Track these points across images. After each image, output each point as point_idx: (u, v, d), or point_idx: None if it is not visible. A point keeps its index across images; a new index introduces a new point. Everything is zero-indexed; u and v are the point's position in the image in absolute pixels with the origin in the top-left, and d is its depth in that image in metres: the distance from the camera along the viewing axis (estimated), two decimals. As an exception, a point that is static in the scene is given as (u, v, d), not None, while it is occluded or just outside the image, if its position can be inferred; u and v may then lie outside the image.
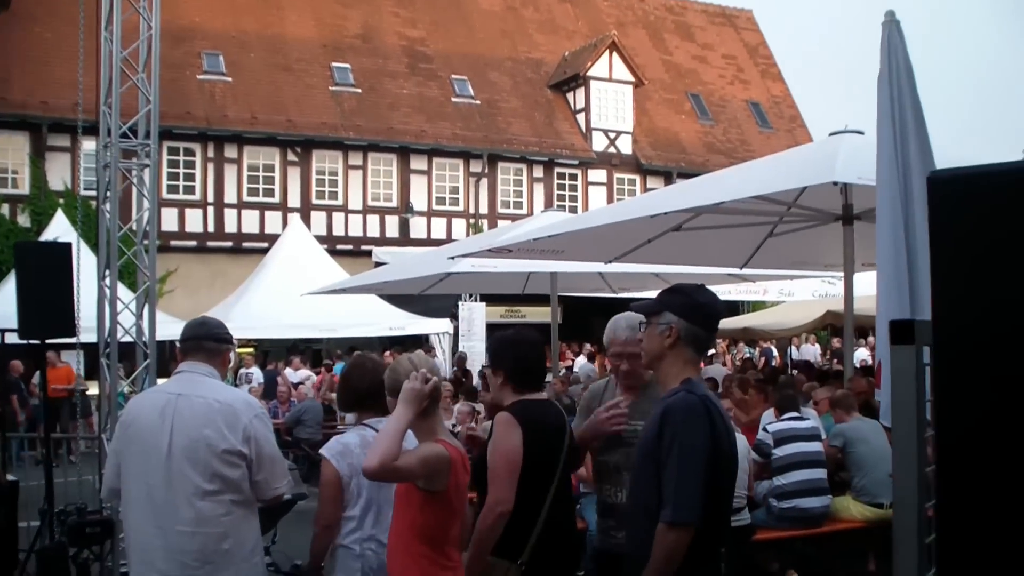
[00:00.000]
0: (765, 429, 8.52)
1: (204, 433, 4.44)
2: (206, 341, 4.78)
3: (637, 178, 34.31)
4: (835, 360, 25.63)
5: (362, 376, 4.87)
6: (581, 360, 25.11)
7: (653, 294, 13.35)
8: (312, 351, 25.85)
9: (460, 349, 24.40)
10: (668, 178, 33.81)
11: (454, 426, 12.14)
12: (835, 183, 8.32)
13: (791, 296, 24.07)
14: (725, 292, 24.49)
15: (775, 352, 28.59)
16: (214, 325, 4.91)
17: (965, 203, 1.71)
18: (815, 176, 8.39)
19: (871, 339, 28.36)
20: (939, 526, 1.68)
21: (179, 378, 4.72)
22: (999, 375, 1.62)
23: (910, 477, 1.82)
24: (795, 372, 17.77)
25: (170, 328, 18.20)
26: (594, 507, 8.10)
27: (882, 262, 3.88)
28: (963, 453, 1.66)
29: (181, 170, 28.22)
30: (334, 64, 31.25)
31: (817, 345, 29.07)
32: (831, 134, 10.45)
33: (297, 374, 21.83)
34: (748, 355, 28.32)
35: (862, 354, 23.58)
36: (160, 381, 16.24)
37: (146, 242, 9.04)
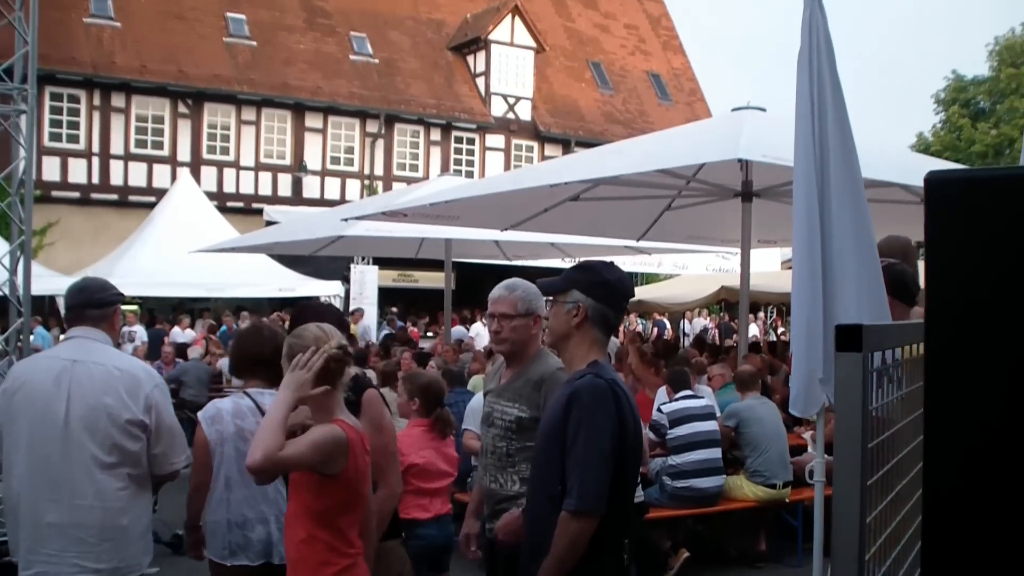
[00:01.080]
0: (659, 409, 8.43)
1: (105, 401, 4.21)
2: (88, 309, 4.48)
3: (535, 145, 34.17)
4: (725, 335, 25.92)
5: (255, 343, 4.66)
6: (476, 327, 24.92)
7: (548, 263, 13.40)
8: (199, 310, 25.22)
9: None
10: (566, 146, 33.76)
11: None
12: (739, 160, 8.25)
13: (685, 269, 24.22)
14: (619, 263, 24.55)
15: (668, 325, 28.79)
16: (94, 289, 4.59)
17: (963, 206, 1.57)
18: (719, 152, 8.30)
19: (760, 315, 28.81)
20: (927, 536, 1.57)
21: (72, 344, 4.44)
22: (996, 382, 1.53)
23: (852, 488, 1.70)
24: (687, 346, 17.82)
25: (50, 283, 17.71)
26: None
27: (798, 250, 3.73)
28: (960, 464, 1.57)
29: (65, 117, 27.22)
30: (229, 14, 30.36)
31: (709, 319, 29.37)
32: (733, 110, 10.42)
33: (185, 334, 21.32)
34: (640, 327, 28.48)
35: (752, 330, 23.83)
36: (38, 340, 15.58)
37: (22, 191, 8.56)
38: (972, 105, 46.39)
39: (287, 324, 4.90)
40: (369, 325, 22.75)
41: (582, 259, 14.65)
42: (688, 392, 8.48)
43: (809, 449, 8.93)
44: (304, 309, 4.72)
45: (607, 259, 13.20)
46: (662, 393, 9.35)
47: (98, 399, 4.20)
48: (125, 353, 6.21)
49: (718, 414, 8.86)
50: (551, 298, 3.79)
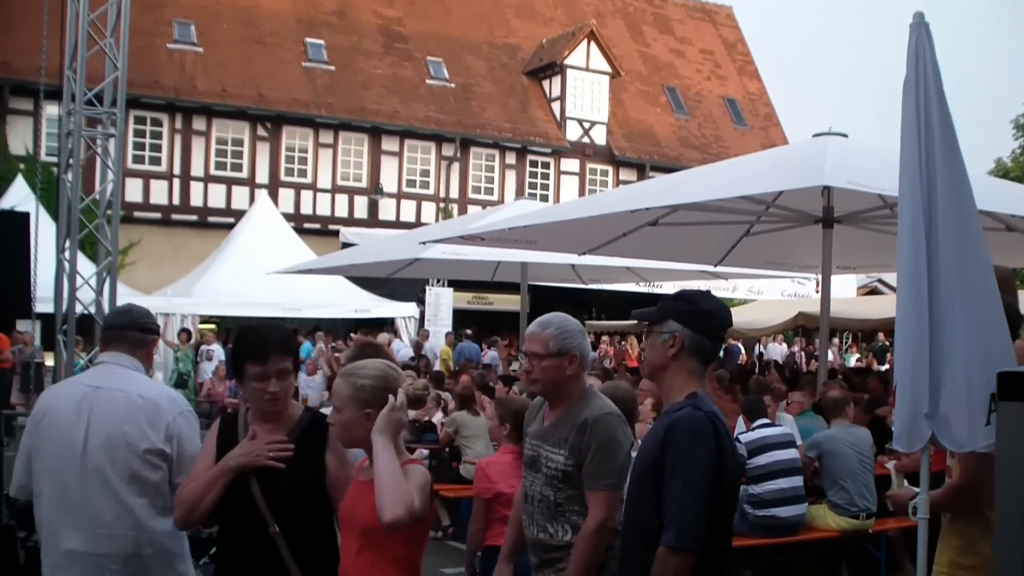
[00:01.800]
0: (738, 439, 8.31)
1: (124, 430, 4.08)
2: (130, 331, 4.35)
3: (610, 169, 34.15)
4: (806, 361, 25.58)
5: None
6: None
7: (624, 287, 13.35)
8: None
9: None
10: (641, 170, 33.68)
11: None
12: (824, 187, 8.17)
13: (760, 295, 24.03)
14: (694, 288, 24.48)
15: (742, 350, 28.52)
16: (139, 313, 4.49)
17: None
18: (804, 179, 8.22)
19: (836, 340, 28.44)
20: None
21: (98, 369, 4.34)
22: None
23: (1017, 539, 1.63)
24: (764, 372, 17.62)
25: (131, 302, 17.96)
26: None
27: (904, 282, 3.66)
28: None
29: (147, 140, 27.72)
30: (308, 40, 30.80)
31: (784, 344, 29.04)
32: (815, 135, 10.31)
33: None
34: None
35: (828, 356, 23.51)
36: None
37: (109, 213, 8.71)
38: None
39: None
40: (435, 346, 22.76)
41: (657, 283, 14.64)
42: (765, 420, 8.36)
43: (892, 479, 8.75)
44: (246, 331, 4.17)
45: (685, 284, 13.21)
46: (740, 423, 9.23)
47: (117, 427, 4.08)
48: (155, 381, 6.07)
49: (799, 441, 8.73)
50: (647, 327, 3.70)
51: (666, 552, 3.32)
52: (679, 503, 3.32)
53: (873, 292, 31.03)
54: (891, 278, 35.99)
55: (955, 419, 3.59)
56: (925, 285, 3.60)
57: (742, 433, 8.43)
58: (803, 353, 28.29)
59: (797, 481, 8.13)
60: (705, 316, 3.58)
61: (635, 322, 28.42)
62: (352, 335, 22.53)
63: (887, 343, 30.77)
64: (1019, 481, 1.66)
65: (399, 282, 21.83)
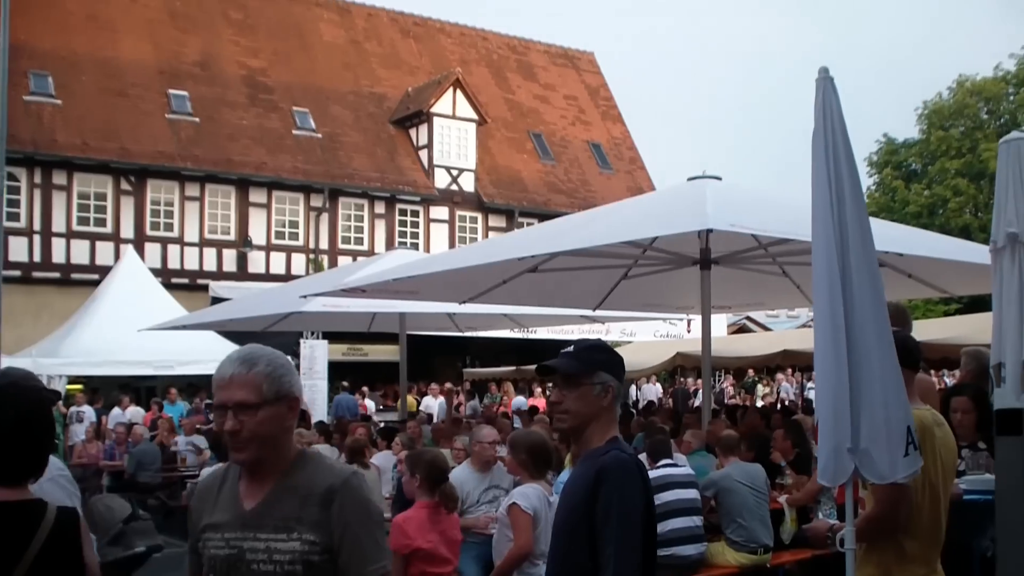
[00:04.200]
0: (640, 477, 8.41)
1: None
2: None
3: (479, 216, 34.35)
4: (683, 400, 25.98)
5: None
6: (427, 401, 24.82)
7: (500, 334, 13.44)
8: (145, 388, 24.86)
9: (304, 387, 23.81)
10: (510, 216, 33.97)
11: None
12: (709, 230, 8.36)
13: (634, 336, 24.40)
14: (568, 332, 24.71)
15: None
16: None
17: None
18: (687, 223, 8.41)
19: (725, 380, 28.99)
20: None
21: None
22: None
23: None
24: (645, 414, 17.83)
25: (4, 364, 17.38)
26: (469, 558, 7.93)
27: (821, 322, 3.80)
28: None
29: (4, 195, 26.78)
30: (171, 91, 30.30)
31: (658, 384, 29.50)
32: (690, 179, 10.53)
33: (127, 413, 21.00)
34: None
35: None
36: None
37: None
38: (904, 167, 47.61)
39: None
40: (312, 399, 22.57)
41: (532, 328, 14.73)
42: (668, 460, 8.49)
43: (785, 513, 8.96)
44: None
45: (559, 327, 13.38)
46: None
47: None
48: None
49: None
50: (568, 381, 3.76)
51: None
52: (617, 543, 3.43)
53: (742, 330, 31.82)
54: (759, 316, 36.97)
55: (876, 452, 3.74)
56: (842, 324, 3.75)
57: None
58: (672, 395, 28.76)
59: (697, 520, 8.27)
60: (622, 365, 3.78)
61: (512, 368, 28.66)
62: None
63: (756, 379, 31.56)
64: (1016, 510, 1.74)
65: (272, 335, 21.49)
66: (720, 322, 23.29)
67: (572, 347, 3.81)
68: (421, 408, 23.11)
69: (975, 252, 10.39)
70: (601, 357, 3.74)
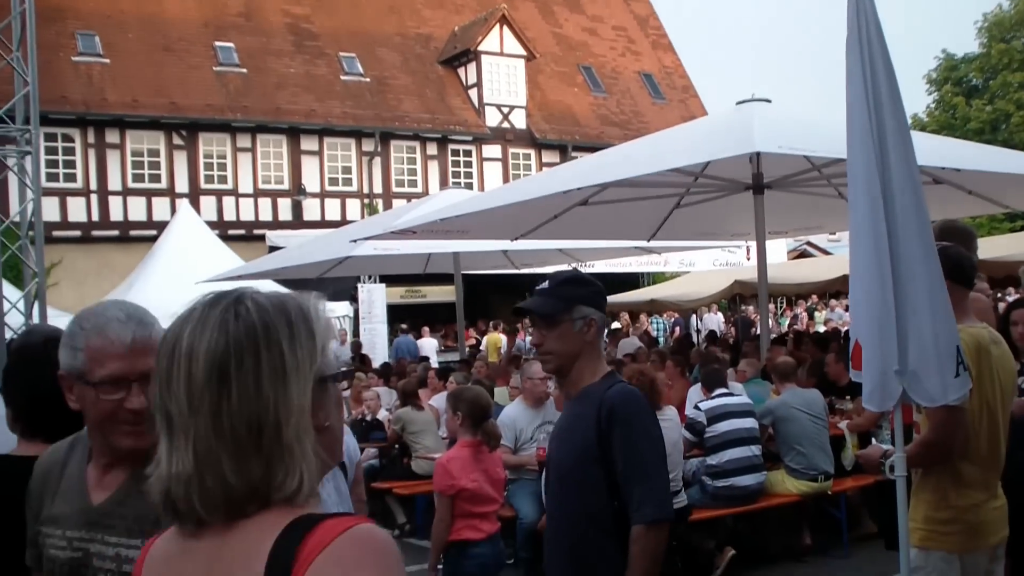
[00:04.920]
0: (697, 407, 8.30)
1: None
2: None
3: (532, 152, 34.06)
4: (744, 330, 25.74)
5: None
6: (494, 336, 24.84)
7: (556, 268, 13.32)
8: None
9: (361, 332, 23.94)
10: (563, 152, 33.63)
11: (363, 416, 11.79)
12: (756, 153, 8.16)
13: (692, 266, 24.17)
14: (626, 264, 24.56)
15: (683, 323, 28.64)
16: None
17: None
18: (734, 147, 8.20)
19: (771, 307, 28.62)
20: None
21: None
22: None
23: None
24: (701, 343, 17.68)
25: (58, 323, 17.54)
26: (525, 494, 7.90)
27: (861, 241, 3.62)
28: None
29: (60, 157, 27.08)
30: (217, 43, 30.28)
31: (720, 314, 29.23)
32: (739, 103, 10.32)
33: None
34: (651, 326, 28.35)
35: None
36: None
37: (31, 234, 8.44)
38: (965, 83, 46.44)
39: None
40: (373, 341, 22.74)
41: (589, 262, 14.57)
42: (724, 390, 8.34)
43: (846, 439, 8.79)
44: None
45: (616, 260, 13.28)
46: (695, 392, 9.20)
47: None
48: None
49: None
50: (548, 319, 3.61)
51: (644, 529, 3.31)
52: (646, 477, 3.35)
53: (803, 255, 31.37)
54: (819, 240, 36.45)
55: (925, 374, 3.56)
56: (885, 242, 3.55)
57: (701, 400, 8.42)
58: (733, 324, 28.49)
59: (756, 450, 8.16)
60: (602, 295, 3.67)
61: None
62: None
63: (814, 305, 31.16)
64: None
65: (330, 281, 21.57)
66: (779, 248, 22.97)
67: (546, 283, 3.65)
68: (481, 347, 23.10)
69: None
70: (579, 291, 3.58)
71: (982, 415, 3.88)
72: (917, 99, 62.29)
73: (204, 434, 1.52)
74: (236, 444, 1.52)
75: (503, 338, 25.71)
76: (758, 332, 22.79)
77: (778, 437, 8.43)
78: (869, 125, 3.59)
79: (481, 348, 23.92)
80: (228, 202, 29.27)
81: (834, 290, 20.86)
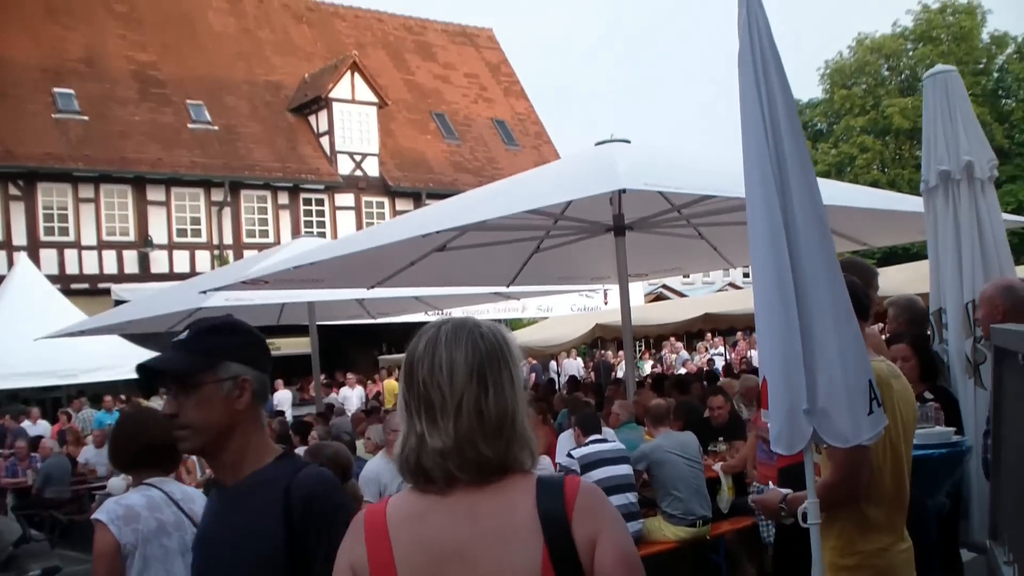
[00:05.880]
0: (570, 455, 8.00)
1: None
2: None
3: (385, 200, 33.70)
4: (606, 373, 25.71)
5: (141, 430, 4.01)
6: (345, 391, 24.25)
7: (413, 318, 12.95)
8: (49, 400, 23.92)
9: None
10: (417, 199, 33.39)
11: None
12: (620, 191, 7.97)
13: (550, 311, 24.11)
14: (484, 312, 24.26)
15: (542, 369, 28.52)
16: None
17: None
18: (598, 185, 8.00)
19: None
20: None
21: None
22: None
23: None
24: (566, 389, 17.50)
25: None
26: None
27: (763, 274, 3.37)
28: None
29: None
30: (56, 90, 29.13)
31: (579, 359, 29.21)
32: (598, 143, 10.19)
33: (37, 426, 20.18)
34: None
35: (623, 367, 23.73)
36: None
37: None
38: (810, 128, 48.07)
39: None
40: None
41: (447, 310, 14.21)
42: (598, 436, 8.08)
43: (722, 482, 8.63)
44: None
45: (474, 307, 12.89)
46: (566, 438, 8.93)
47: None
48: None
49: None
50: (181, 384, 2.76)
51: None
52: None
53: (659, 298, 31.70)
54: (674, 283, 36.97)
55: (836, 412, 3.30)
56: (788, 269, 3.30)
57: (573, 448, 8.13)
58: (594, 368, 28.49)
59: (632, 497, 7.89)
60: (261, 348, 2.83)
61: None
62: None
63: (666, 349, 31.44)
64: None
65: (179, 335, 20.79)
66: (637, 291, 23.08)
67: (184, 333, 2.81)
68: (339, 399, 22.53)
69: (892, 201, 10.26)
70: (227, 342, 2.75)
71: (886, 453, 3.66)
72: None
73: (467, 419, 2.08)
74: (491, 428, 2.09)
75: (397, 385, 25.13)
76: (618, 376, 22.87)
77: (654, 482, 8.19)
78: (767, 149, 3.35)
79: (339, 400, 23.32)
80: (70, 255, 28.06)
81: (695, 329, 20.96)
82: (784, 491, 3.83)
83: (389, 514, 2.11)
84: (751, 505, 5.12)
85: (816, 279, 3.32)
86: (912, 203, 8.81)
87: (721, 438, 9.62)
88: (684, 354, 29.09)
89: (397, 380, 25.45)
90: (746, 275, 47.09)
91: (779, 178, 3.33)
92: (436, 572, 2.04)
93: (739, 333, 28.99)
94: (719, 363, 26.03)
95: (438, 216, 10.64)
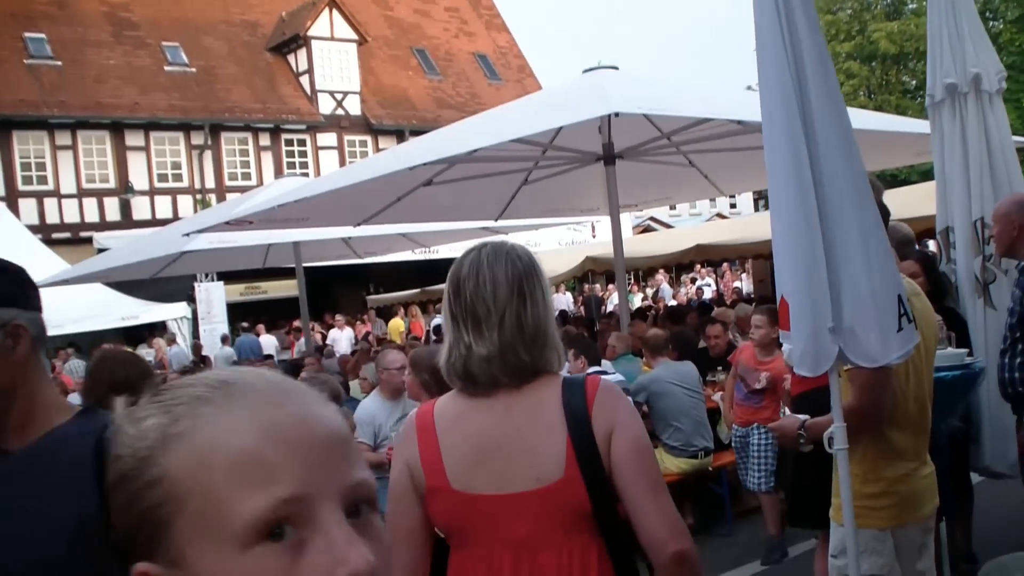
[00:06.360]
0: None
1: None
2: None
3: (368, 139, 33.36)
4: (597, 307, 25.55)
5: (117, 367, 3.87)
6: (334, 333, 24.05)
7: (400, 256, 12.68)
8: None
9: (201, 333, 22.97)
10: (400, 137, 33.01)
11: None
12: (613, 114, 7.74)
13: (538, 247, 23.80)
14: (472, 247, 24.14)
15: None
16: None
17: None
18: (590, 110, 7.75)
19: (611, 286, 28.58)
20: None
21: None
22: None
23: None
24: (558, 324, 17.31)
25: None
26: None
27: (784, 191, 3.16)
28: None
29: None
30: (27, 34, 28.52)
31: (568, 294, 29.03)
32: (585, 71, 9.93)
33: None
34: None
35: (614, 298, 23.56)
36: None
37: None
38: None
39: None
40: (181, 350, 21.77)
41: (434, 247, 13.98)
42: (597, 368, 7.89)
43: (722, 410, 8.48)
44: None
45: (460, 244, 12.58)
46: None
47: None
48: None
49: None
50: None
51: None
52: None
53: (647, 231, 31.48)
54: (661, 215, 36.74)
55: (863, 331, 3.10)
56: (810, 185, 3.07)
57: (574, 378, 7.94)
58: (583, 303, 28.31)
59: (632, 429, 7.72)
60: (26, 287, 2.21)
61: (417, 291, 27.98)
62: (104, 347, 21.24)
63: (657, 283, 31.28)
64: None
65: (165, 282, 20.54)
66: (625, 224, 22.81)
67: None
68: (328, 341, 22.34)
69: (886, 122, 10.04)
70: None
71: (908, 375, 3.48)
72: (751, 75, 63.77)
73: (509, 329, 2.35)
74: (529, 336, 2.36)
75: (403, 323, 25.02)
76: (609, 310, 22.71)
77: (654, 414, 8.03)
78: (784, 54, 3.11)
79: (327, 343, 23.11)
80: (50, 204, 27.71)
81: (687, 260, 20.76)
82: (802, 417, 3.65)
83: (436, 414, 2.46)
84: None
85: (838, 188, 3.10)
86: (906, 124, 8.61)
87: (720, 367, 9.45)
88: (667, 287, 28.84)
89: (402, 319, 25.39)
90: (733, 205, 46.98)
91: (799, 89, 3.10)
92: (477, 462, 2.36)
93: (725, 264, 28.80)
94: (708, 294, 25.88)
95: (425, 149, 10.37)
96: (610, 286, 26.94)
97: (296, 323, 23.72)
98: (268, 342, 23.69)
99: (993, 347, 5.37)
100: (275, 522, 0.93)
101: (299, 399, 1.02)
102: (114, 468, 1.01)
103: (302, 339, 22.01)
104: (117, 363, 3.93)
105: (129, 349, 14.47)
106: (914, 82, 43.73)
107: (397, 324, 25.05)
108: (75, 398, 15.75)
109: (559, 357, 2.43)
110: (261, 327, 24.75)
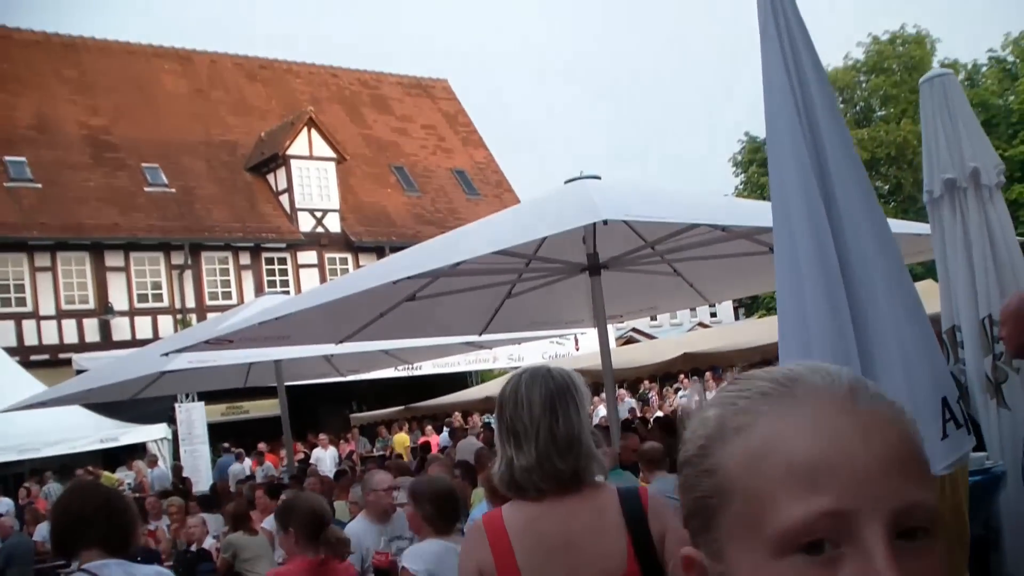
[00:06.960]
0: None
1: None
2: None
3: (348, 256, 33.35)
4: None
5: (77, 504, 3.57)
6: (317, 452, 23.66)
7: (381, 374, 12.44)
8: (12, 476, 23.19)
9: (182, 454, 22.55)
10: (380, 253, 32.97)
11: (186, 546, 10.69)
12: (593, 230, 7.64)
13: (522, 361, 23.69)
14: (455, 364, 23.98)
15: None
16: None
17: None
18: (579, 217, 7.62)
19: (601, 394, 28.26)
20: None
21: None
22: None
23: None
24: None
25: None
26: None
27: (809, 271, 2.92)
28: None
29: None
30: (7, 158, 28.61)
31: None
32: (567, 181, 9.85)
33: (1, 504, 19.53)
34: (487, 423, 27.66)
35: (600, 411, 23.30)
36: None
37: None
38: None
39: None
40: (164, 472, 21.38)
41: (417, 364, 13.82)
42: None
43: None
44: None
45: (444, 360, 12.38)
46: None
47: None
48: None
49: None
50: None
51: None
52: None
53: (629, 342, 31.34)
54: (643, 327, 36.66)
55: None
56: (833, 257, 2.83)
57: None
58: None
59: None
60: None
61: (401, 408, 27.70)
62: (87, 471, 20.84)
63: (649, 389, 30.99)
64: None
65: (145, 403, 20.21)
66: (609, 336, 22.71)
67: None
68: (312, 460, 21.95)
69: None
70: None
71: (944, 484, 3.25)
72: (726, 181, 64.42)
73: (544, 441, 2.68)
74: (562, 447, 2.68)
75: (408, 437, 24.72)
76: (597, 422, 22.44)
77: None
78: (797, 116, 2.94)
79: (311, 462, 22.70)
80: (28, 326, 27.43)
81: (674, 370, 20.62)
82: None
83: (506, 519, 2.73)
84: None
85: (866, 263, 2.85)
86: (903, 226, 8.50)
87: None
88: (630, 401, 28.30)
89: (407, 433, 25.11)
90: (713, 314, 46.95)
91: (811, 138, 2.93)
92: (550, 560, 2.64)
93: (708, 372, 28.59)
94: (694, 406, 25.57)
95: (409, 262, 10.22)
96: (595, 399, 26.65)
97: (261, 445, 23.43)
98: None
99: (1008, 449, 5.17)
100: (812, 534, 0.92)
101: (865, 405, 0.99)
102: (682, 451, 1.08)
103: (267, 462, 21.73)
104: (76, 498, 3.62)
105: (107, 473, 14.12)
106: (887, 187, 44.20)
107: (402, 439, 24.73)
108: (45, 527, 15.38)
109: (600, 465, 2.76)
110: (241, 452, 24.33)
